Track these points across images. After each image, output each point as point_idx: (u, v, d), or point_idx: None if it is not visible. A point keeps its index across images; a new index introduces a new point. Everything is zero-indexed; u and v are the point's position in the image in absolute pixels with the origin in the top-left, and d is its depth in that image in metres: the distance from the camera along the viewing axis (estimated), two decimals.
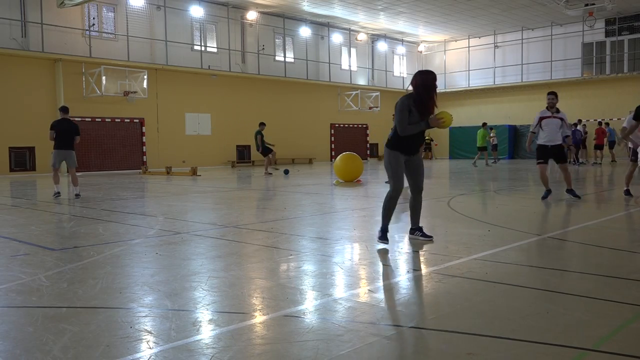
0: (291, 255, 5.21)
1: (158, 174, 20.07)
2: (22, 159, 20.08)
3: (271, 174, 18.34)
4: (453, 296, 3.75)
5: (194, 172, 18.83)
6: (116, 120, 22.04)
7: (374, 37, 32.39)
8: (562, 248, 5.55)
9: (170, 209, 9.13)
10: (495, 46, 32.19)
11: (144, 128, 22.77)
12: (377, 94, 31.66)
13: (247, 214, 8.90)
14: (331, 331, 3.06)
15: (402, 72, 34.81)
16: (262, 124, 18.73)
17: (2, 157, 19.58)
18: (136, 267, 4.82)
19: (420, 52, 35.14)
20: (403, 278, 4.38)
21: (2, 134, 19.45)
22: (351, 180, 13.79)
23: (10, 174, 19.44)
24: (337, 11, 27.03)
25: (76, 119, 20.89)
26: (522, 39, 30.93)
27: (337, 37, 30.39)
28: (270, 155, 18.72)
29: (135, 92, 21.88)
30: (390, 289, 4.06)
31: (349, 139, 30.70)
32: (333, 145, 30.29)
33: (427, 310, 3.45)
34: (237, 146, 25.62)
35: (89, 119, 21.29)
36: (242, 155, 25.95)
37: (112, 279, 4.30)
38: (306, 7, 26.08)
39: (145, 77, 21.87)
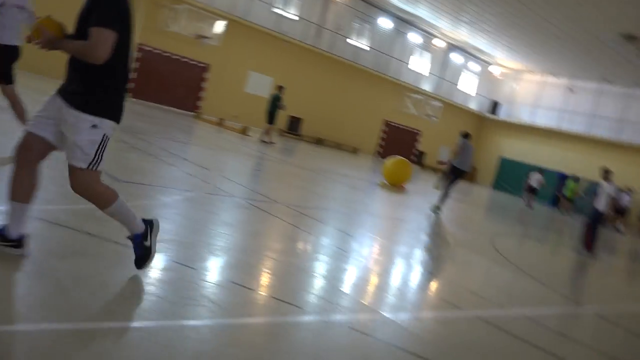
0: (301, 252, 5.23)
1: (209, 122, 20.30)
2: None
3: (274, 142, 17.59)
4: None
5: (243, 131, 18.98)
6: (183, 59, 22.26)
7: (451, 47, 31.78)
8: (599, 326, 5.41)
9: (225, 166, 9.18)
10: (569, 89, 31.14)
11: (207, 74, 22.97)
12: (440, 105, 31.14)
13: (289, 193, 8.93)
14: (332, 332, 3.10)
15: (469, 89, 33.96)
16: (282, 88, 18.61)
17: None
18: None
19: (491, 73, 34.33)
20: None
21: None
22: (396, 184, 13.72)
23: None
24: (422, 11, 26.55)
25: (147, 48, 21.23)
26: (599, 90, 29.77)
27: (414, 37, 29.91)
28: (272, 125, 17.91)
29: (208, 37, 22.02)
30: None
31: (398, 140, 30.36)
32: (382, 142, 30.06)
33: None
34: (290, 116, 25.47)
35: (159, 51, 21.54)
36: (294, 126, 25.75)
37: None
38: None
39: (222, 25, 21.97)
